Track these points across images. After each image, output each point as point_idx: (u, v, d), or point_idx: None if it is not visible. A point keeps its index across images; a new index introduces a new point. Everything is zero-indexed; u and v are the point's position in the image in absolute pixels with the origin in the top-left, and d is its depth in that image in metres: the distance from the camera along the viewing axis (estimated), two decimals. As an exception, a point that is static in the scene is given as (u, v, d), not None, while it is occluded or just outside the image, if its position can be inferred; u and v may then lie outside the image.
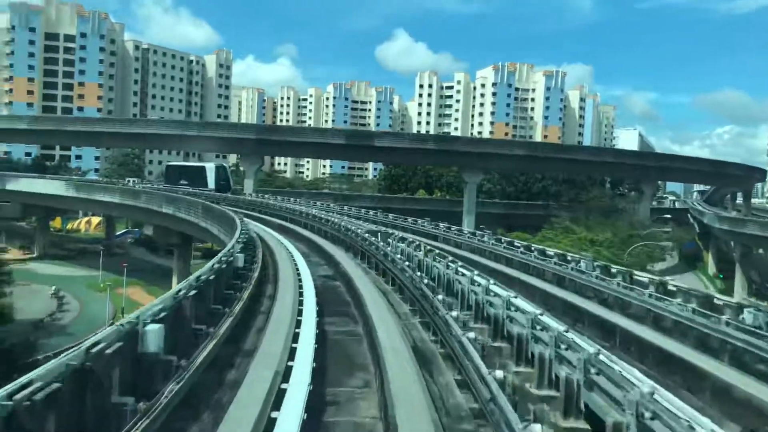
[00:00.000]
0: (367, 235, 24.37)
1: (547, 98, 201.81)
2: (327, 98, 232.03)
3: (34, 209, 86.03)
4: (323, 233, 32.88)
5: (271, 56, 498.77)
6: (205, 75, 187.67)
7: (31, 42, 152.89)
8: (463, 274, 15.97)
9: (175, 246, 61.63)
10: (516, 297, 12.51)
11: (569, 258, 22.00)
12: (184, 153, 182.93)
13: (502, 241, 28.35)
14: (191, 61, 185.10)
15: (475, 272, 16.16)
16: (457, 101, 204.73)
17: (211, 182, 70.61)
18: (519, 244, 27.12)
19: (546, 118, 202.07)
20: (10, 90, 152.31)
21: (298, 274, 19.43)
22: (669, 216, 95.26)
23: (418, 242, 23.58)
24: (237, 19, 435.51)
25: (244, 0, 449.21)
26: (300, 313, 13.07)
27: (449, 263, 18.02)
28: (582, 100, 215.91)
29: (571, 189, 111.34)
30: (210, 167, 74.00)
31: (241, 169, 79.97)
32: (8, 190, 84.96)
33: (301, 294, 15.77)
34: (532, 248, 25.75)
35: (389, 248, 20.73)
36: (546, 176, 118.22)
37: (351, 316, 15.69)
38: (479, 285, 14.43)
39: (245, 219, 31.16)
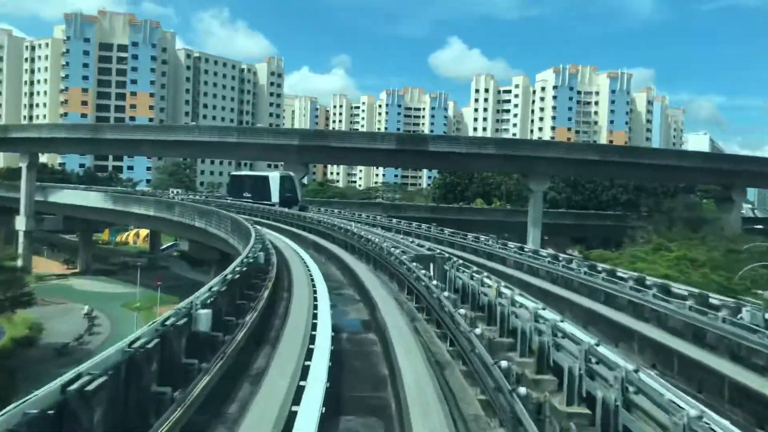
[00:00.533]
0: (414, 265, 17.62)
1: (612, 101, 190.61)
2: (380, 105, 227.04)
3: (75, 222, 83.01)
4: (364, 255, 26.42)
5: (326, 67, 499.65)
6: (257, 83, 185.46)
7: (86, 52, 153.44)
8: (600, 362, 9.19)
9: (213, 262, 56.49)
10: None
11: (729, 304, 14.59)
12: (237, 162, 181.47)
13: (599, 269, 21.02)
14: (242, 70, 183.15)
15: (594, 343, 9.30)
16: (515, 106, 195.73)
17: (275, 195, 62.72)
18: (625, 275, 19.85)
19: (611, 122, 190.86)
20: (65, 101, 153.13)
21: (314, 321, 13.15)
22: (761, 227, 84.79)
23: (482, 271, 16.85)
24: (292, 31, 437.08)
25: (300, 13, 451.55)
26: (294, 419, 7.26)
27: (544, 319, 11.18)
28: (649, 103, 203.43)
29: (648, 197, 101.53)
30: (274, 177, 64.91)
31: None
32: (50, 202, 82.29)
33: (308, 360, 9.79)
34: (647, 282, 18.41)
35: (445, 293, 13.95)
36: (615, 183, 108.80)
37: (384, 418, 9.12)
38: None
39: (275, 234, 25.06)
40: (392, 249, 21.39)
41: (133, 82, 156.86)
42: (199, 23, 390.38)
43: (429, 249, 22.90)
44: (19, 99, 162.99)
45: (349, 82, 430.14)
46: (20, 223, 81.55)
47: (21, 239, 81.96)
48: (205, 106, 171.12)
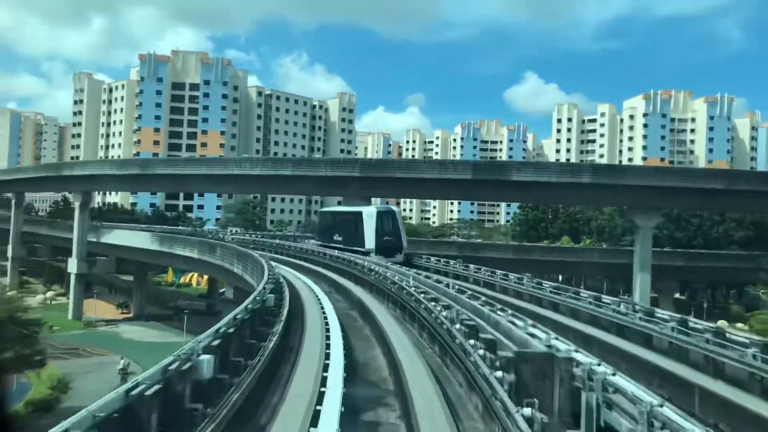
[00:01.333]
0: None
1: (710, 128, 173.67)
2: (454, 139, 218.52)
3: (129, 264, 77.85)
4: (427, 332, 17.16)
5: (400, 106, 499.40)
6: (328, 119, 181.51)
7: (158, 92, 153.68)
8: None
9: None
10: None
11: None
12: (311, 198, 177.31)
13: None
14: (314, 106, 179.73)
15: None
16: (602, 135, 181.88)
17: (370, 238, 46.38)
18: None
19: (710, 150, 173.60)
20: (138, 141, 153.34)
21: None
22: None
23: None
24: (368, 72, 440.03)
25: (375, 54, 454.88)
26: None
27: None
28: (754, 129, 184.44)
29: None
30: (368, 213, 48.10)
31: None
32: (103, 243, 77.69)
33: None
34: None
35: None
36: (727, 218, 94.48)
37: None
38: None
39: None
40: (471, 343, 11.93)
41: (205, 120, 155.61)
42: (279, 68, 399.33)
43: (523, 324, 13.24)
44: (96, 140, 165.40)
45: (424, 121, 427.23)
46: (71, 265, 77.23)
47: (72, 283, 77.47)
48: (276, 143, 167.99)
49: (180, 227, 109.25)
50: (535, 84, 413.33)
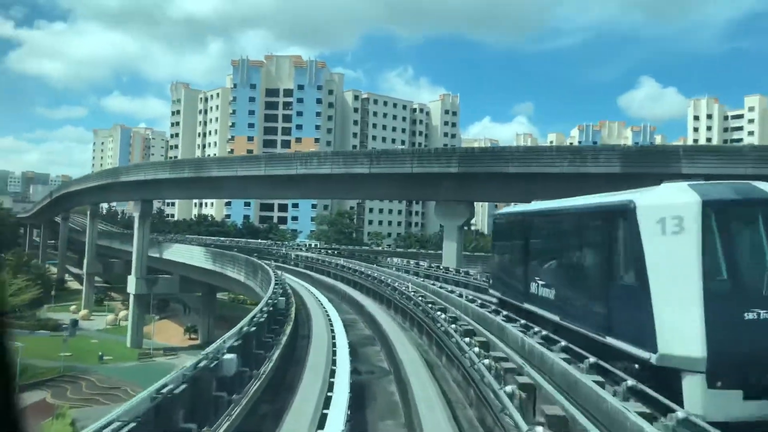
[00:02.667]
0: None
1: None
2: (570, 143, 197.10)
3: (192, 283, 67.23)
4: None
5: (507, 116, 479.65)
6: (430, 124, 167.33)
7: (251, 99, 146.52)
8: None
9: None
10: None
11: None
12: (411, 200, 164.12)
13: None
14: (414, 110, 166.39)
15: None
16: (750, 133, 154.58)
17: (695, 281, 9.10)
18: None
19: None
20: (231, 151, 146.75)
21: None
22: None
23: None
24: (474, 83, 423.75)
25: (481, 64, 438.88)
26: None
27: None
28: None
29: None
30: (672, 210, 9.53)
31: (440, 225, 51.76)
32: (166, 260, 67.66)
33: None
34: None
35: None
36: None
37: None
38: None
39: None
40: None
41: (299, 127, 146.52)
42: (384, 83, 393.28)
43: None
44: (193, 151, 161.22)
45: (532, 130, 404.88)
46: (130, 284, 67.70)
47: (131, 305, 67.89)
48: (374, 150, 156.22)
49: (267, 241, 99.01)
50: (651, 88, 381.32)
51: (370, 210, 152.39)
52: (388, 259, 48.99)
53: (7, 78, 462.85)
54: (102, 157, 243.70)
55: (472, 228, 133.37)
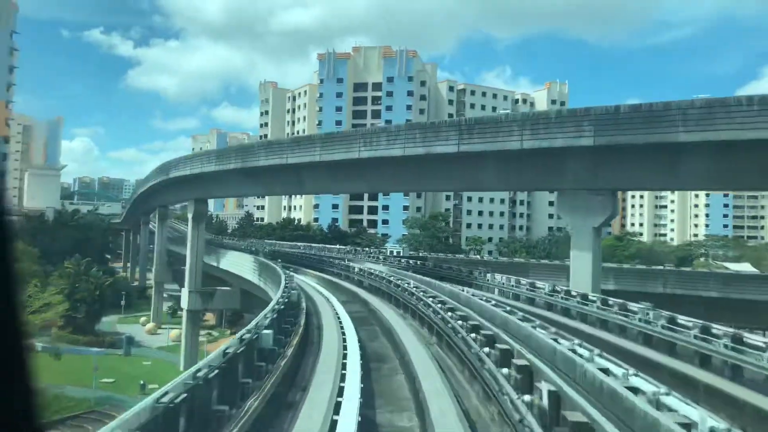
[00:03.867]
0: None
1: None
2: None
3: (250, 298, 56.60)
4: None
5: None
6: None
7: (339, 95, 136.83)
8: None
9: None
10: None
11: None
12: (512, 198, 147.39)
13: None
14: (516, 100, 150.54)
15: None
16: None
17: None
18: None
19: None
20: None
21: None
22: None
23: None
24: (574, 81, 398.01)
25: (582, 62, 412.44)
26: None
27: None
28: None
29: None
30: None
31: (567, 228, 37.16)
32: (223, 270, 57.62)
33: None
34: None
35: None
36: None
37: None
38: None
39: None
40: None
41: (388, 122, 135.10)
42: (482, 83, 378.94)
43: None
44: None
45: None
46: (183, 298, 58.02)
47: (184, 322, 58.25)
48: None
49: (347, 247, 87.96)
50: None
51: (468, 212, 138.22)
52: (488, 275, 35.48)
53: (128, 94, 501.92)
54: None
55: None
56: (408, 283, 29.05)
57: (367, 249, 79.65)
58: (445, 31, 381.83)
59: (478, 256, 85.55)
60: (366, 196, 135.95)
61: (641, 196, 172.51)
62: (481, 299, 22.04)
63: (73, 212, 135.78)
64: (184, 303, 57.74)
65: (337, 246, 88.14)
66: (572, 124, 27.28)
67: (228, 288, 59.62)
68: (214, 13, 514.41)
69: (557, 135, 27.32)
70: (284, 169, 39.79)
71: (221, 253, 58.80)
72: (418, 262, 49.81)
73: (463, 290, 25.91)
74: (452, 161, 30.98)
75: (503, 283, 31.89)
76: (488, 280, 34.89)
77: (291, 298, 22.71)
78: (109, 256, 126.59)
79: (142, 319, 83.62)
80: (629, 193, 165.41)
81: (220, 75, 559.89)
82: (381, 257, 53.23)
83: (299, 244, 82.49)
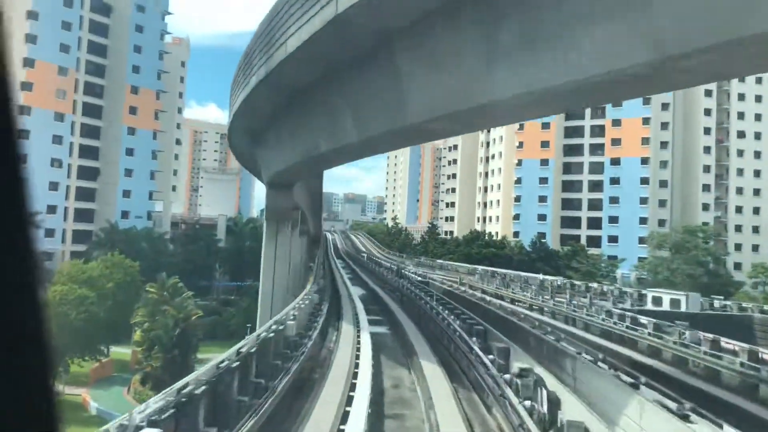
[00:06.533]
0: None
1: None
2: None
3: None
4: None
5: None
6: None
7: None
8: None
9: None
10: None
11: None
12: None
13: None
14: None
15: None
16: None
17: None
18: None
19: None
20: (520, 144, 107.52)
21: None
22: None
23: None
24: None
25: None
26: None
27: None
28: None
29: None
30: None
31: None
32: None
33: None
34: None
35: None
36: None
37: None
38: None
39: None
40: None
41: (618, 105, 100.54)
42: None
43: None
44: (475, 155, 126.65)
45: None
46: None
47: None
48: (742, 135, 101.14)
49: (558, 278, 57.26)
50: None
51: (737, 228, 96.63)
52: None
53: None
54: (395, 172, 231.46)
55: None
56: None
57: (596, 285, 48.27)
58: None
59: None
60: (585, 203, 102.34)
61: None
62: None
63: (249, 220, 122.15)
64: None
65: (540, 276, 58.36)
66: None
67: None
68: None
69: None
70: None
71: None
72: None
73: None
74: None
75: None
76: None
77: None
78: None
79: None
80: None
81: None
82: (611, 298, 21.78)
83: (479, 267, 53.67)
